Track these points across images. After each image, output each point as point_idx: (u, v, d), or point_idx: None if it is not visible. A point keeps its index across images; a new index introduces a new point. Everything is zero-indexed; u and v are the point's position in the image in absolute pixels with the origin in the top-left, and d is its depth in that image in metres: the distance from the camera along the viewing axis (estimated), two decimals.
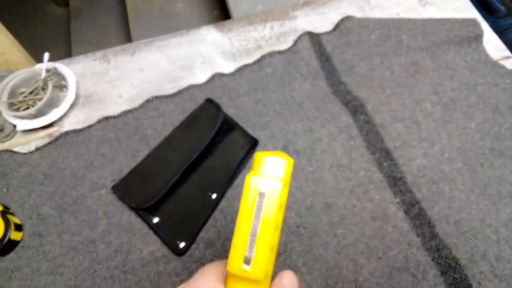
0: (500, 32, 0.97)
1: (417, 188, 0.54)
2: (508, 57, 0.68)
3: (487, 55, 0.66)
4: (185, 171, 0.53)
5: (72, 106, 0.63)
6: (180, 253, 0.50)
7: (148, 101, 0.63)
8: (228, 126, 0.58)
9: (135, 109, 0.63)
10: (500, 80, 0.63)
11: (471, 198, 0.53)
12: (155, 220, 0.52)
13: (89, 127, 0.61)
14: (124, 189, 0.53)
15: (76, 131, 0.60)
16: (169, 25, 1.23)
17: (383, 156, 0.57)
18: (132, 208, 0.53)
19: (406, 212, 0.53)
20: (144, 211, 0.52)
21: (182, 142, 0.55)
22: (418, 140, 0.58)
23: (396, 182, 0.55)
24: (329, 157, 0.58)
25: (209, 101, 0.59)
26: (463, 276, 0.49)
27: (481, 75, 0.64)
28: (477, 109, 0.60)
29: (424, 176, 0.55)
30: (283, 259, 0.50)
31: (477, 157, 0.56)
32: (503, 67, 0.65)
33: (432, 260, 0.50)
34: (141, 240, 0.52)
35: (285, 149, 0.58)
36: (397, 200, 0.54)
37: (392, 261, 0.50)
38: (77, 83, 0.65)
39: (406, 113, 0.60)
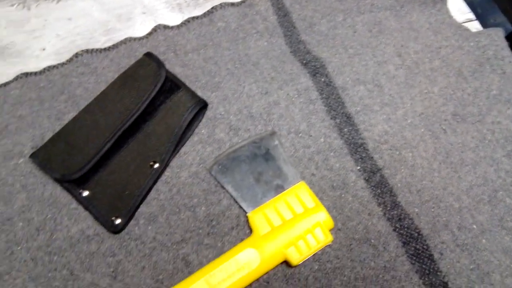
0: None
1: (378, 155, 0.51)
2: (471, 20, 0.65)
3: (451, 17, 0.63)
4: (121, 136, 0.45)
5: None
6: (116, 230, 0.43)
7: (77, 55, 0.54)
8: (172, 85, 0.50)
9: (62, 65, 0.53)
10: (464, 43, 0.60)
11: (434, 166, 0.51)
12: (85, 193, 0.44)
13: (4, 85, 0.51)
14: (46, 158, 0.44)
15: None
16: None
17: (344, 121, 0.52)
18: (57, 180, 0.44)
19: (367, 181, 0.49)
20: (71, 183, 0.44)
21: (116, 103, 0.46)
22: (381, 104, 0.53)
23: (357, 149, 0.51)
24: (287, 123, 0.52)
25: (149, 55, 0.51)
26: (425, 247, 0.46)
27: (445, 38, 0.60)
28: (440, 73, 0.57)
29: (386, 143, 0.51)
30: None
31: (440, 123, 0.53)
32: (467, 29, 0.62)
33: (394, 230, 0.47)
34: (69, 217, 0.44)
35: (240, 113, 0.52)
36: (358, 167, 0.50)
37: (352, 232, 0.47)
38: None
39: (368, 76, 0.55)
